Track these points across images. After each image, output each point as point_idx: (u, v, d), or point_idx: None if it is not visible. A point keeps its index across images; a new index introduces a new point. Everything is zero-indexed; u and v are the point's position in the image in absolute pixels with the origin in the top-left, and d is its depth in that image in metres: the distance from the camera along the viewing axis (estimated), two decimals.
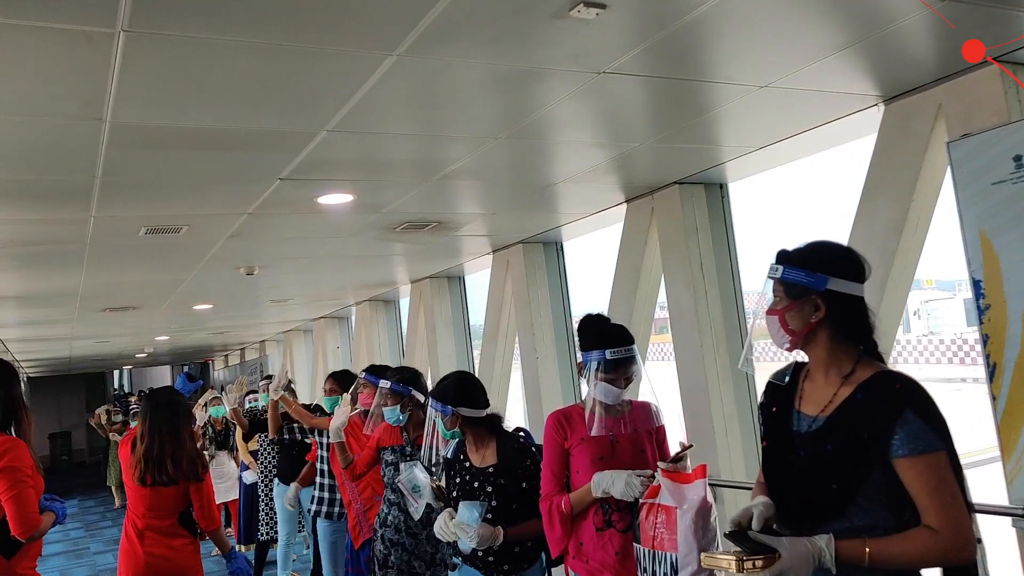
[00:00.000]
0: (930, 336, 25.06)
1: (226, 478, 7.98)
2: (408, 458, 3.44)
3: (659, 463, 2.44)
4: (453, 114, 2.95)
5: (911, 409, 1.64)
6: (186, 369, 15.19)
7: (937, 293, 27.63)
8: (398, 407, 3.46)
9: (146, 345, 12.25)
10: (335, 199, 3.99)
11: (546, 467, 2.71)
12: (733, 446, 4.42)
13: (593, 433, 2.65)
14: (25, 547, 2.67)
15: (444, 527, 2.88)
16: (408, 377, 3.52)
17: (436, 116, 2.96)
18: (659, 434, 2.80)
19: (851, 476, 1.65)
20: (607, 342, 2.63)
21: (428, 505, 3.11)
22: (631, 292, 4.80)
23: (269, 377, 7.51)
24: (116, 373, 24.06)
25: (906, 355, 24.81)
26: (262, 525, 6.91)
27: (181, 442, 3.22)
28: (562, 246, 6.14)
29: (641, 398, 2.80)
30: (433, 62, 2.40)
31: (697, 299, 4.38)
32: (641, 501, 2.47)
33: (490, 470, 2.93)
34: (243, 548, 7.52)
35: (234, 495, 7.85)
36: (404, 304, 9.17)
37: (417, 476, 3.16)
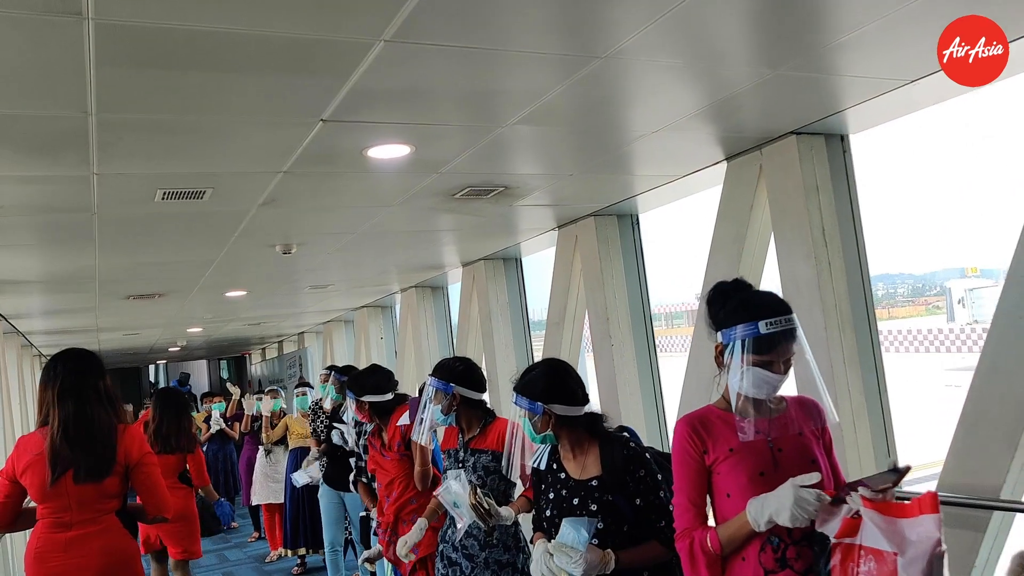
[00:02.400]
0: (974, 325, 23.91)
1: (280, 477, 7.43)
2: (460, 465, 3.07)
3: (860, 490, 1.71)
4: (514, 36, 2.28)
5: None
6: (179, 376, 16.28)
7: (982, 281, 26.49)
8: (439, 407, 3.07)
9: (178, 338, 11.75)
10: (388, 152, 3.29)
11: (680, 492, 1.99)
12: (863, 445, 3.65)
13: (745, 439, 1.92)
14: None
15: (544, 567, 2.21)
16: (447, 370, 3.11)
17: (495, 36, 2.28)
18: (826, 438, 2.07)
19: None
20: (759, 311, 1.90)
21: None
22: (731, 266, 4.02)
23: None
24: (152, 368, 23.86)
25: (948, 344, 23.72)
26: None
27: (181, 424, 4.61)
28: (638, 219, 5.39)
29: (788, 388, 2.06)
30: None
31: (820, 271, 3.60)
32: (833, 540, 1.73)
33: (593, 483, 2.33)
34: (289, 553, 6.88)
35: (281, 498, 7.27)
36: (454, 290, 8.50)
37: (453, 489, 2.83)
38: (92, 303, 6.75)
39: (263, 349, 16.58)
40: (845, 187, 3.72)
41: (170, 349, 14.06)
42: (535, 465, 2.52)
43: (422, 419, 3.15)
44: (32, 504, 2.88)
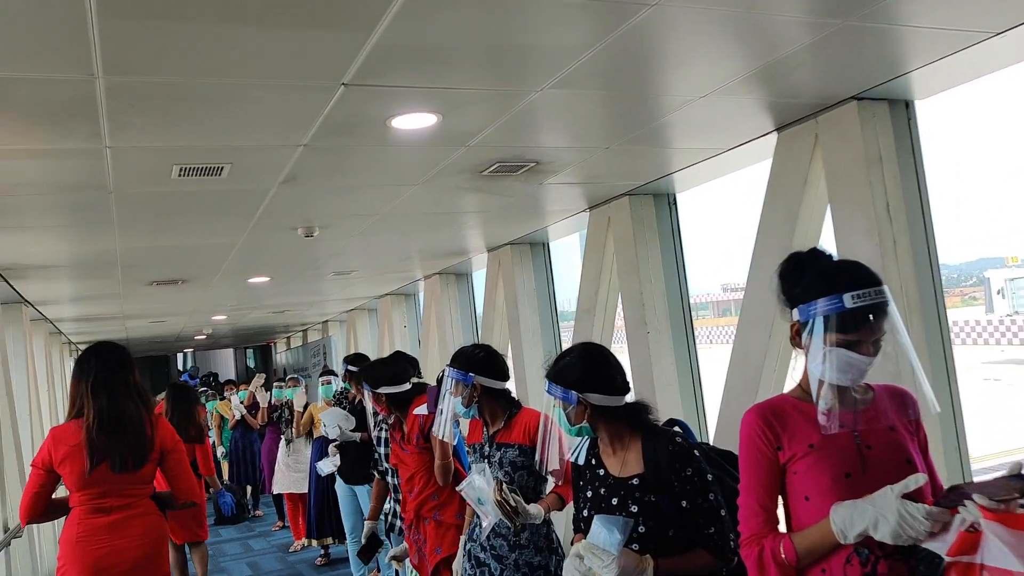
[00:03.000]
0: (1014, 316, 23.21)
1: (302, 468, 7.30)
2: (485, 460, 2.91)
3: (976, 498, 1.45)
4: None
5: None
6: (189, 369, 17.58)
7: (1022, 271, 25.68)
8: (460, 398, 2.90)
9: (204, 326, 11.68)
10: (413, 121, 3.07)
11: (748, 493, 1.74)
12: (933, 444, 3.36)
13: (828, 432, 1.68)
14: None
15: (575, 570, 2.00)
16: (467, 359, 2.94)
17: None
18: (921, 435, 1.81)
19: None
20: (843, 282, 1.65)
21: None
22: (783, 246, 3.75)
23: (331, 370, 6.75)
24: (180, 356, 23.98)
25: (987, 336, 23.06)
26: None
27: (191, 416, 5.05)
28: (675, 198, 5.12)
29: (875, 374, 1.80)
30: None
31: (884, 251, 3.33)
32: (947, 559, 1.49)
33: (634, 482, 2.12)
34: (313, 543, 6.74)
35: (304, 488, 7.14)
36: (478, 277, 8.29)
37: (477, 484, 2.68)
38: (117, 289, 6.63)
39: (288, 338, 16.53)
40: (911, 158, 3.43)
41: (196, 337, 14.02)
42: (574, 459, 2.31)
43: (441, 411, 2.96)
44: (62, 495, 3.02)
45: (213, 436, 10.76)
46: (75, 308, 7.83)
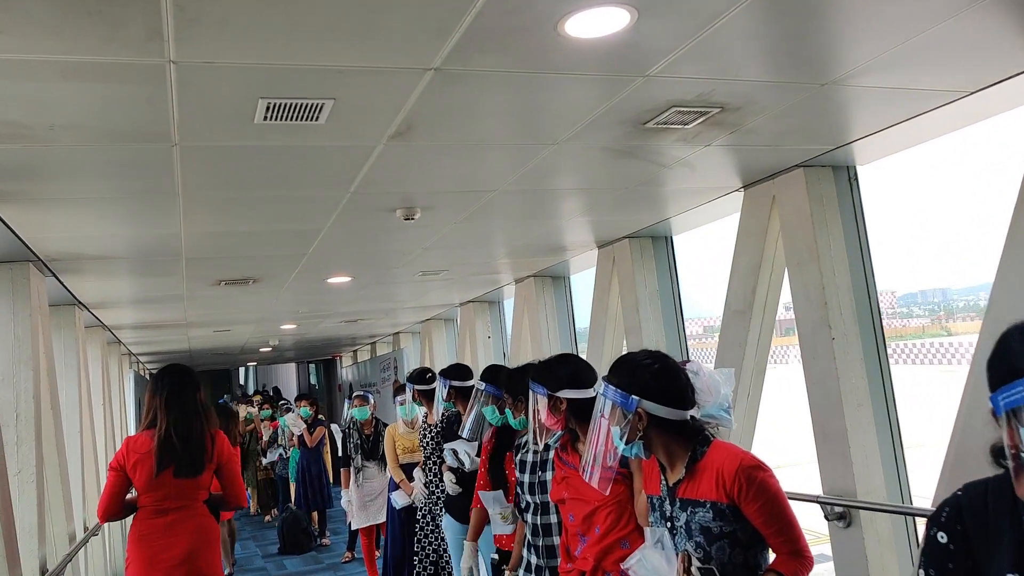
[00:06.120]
0: None
1: (375, 496, 6.42)
2: (666, 523, 2.11)
3: None
4: None
5: None
6: (225, 396, 17.72)
7: None
8: (617, 429, 2.10)
9: (271, 336, 10.98)
10: (598, 21, 2.15)
11: None
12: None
13: None
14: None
15: None
16: (630, 370, 2.11)
17: None
18: None
19: None
20: None
21: None
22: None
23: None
24: (242, 371, 23.59)
25: None
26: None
27: (230, 433, 5.90)
28: (856, 173, 4.12)
29: None
30: None
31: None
32: None
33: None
34: None
35: (382, 518, 6.25)
36: (575, 281, 7.36)
37: (652, 563, 2.01)
38: (180, 289, 5.88)
39: (355, 351, 15.79)
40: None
41: (261, 350, 13.37)
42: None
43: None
44: (132, 497, 3.41)
45: (278, 453, 10.04)
46: (134, 313, 7.13)
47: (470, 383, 4.47)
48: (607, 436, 2.05)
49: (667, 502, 2.08)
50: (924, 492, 3.82)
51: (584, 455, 2.14)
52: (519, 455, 3.08)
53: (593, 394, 2.41)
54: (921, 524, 3.64)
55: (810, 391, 4.01)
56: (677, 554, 1.98)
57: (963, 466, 3.17)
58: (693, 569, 1.94)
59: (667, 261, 5.71)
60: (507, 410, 3.35)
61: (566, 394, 2.50)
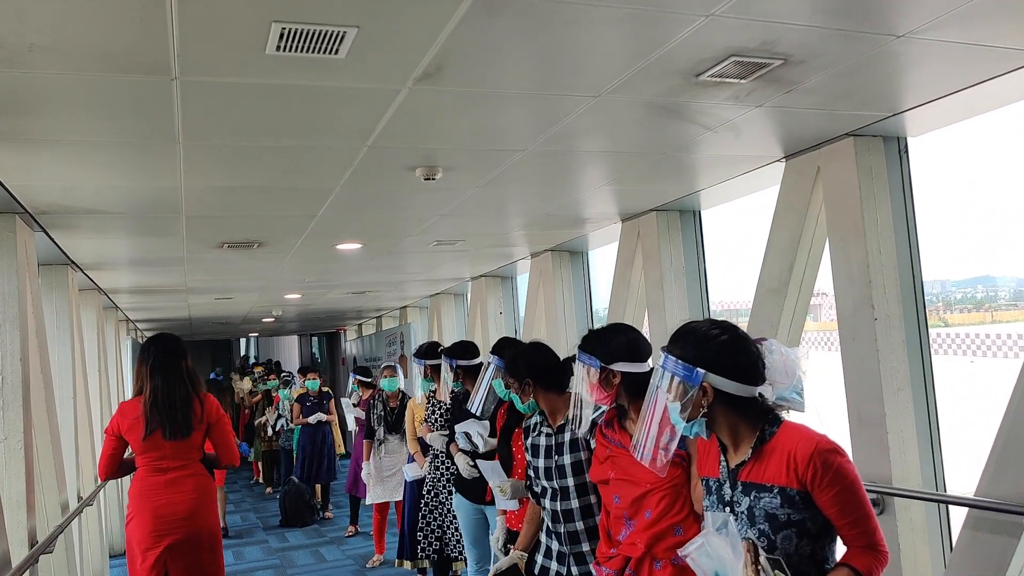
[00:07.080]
0: None
1: (394, 471, 6.23)
2: (727, 507, 1.91)
3: None
4: None
5: None
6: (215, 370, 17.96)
7: None
8: (678, 405, 1.88)
9: (274, 306, 10.71)
10: None
11: None
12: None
13: None
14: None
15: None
16: (696, 342, 1.88)
17: None
18: None
19: None
20: None
21: None
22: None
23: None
24: (243, 341, 23.38)
25: None
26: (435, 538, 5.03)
27: (223, 404, 5.69)
28: (907, 144, 3.84)
29: None
30: None
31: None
32: None
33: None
34: (408, 565, 5.47)
35: (398, 496, 6.06)
36: (592, 256, 7.08)
37: (715, 551, 1.78)
38: (180, 251, 5.61)
39: (359, 325, 15.53)
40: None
41: (263, 320, 13.11)
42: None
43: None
44: (130, 456, 3.63)
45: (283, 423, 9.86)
46: (131, 276, 6.85)
47: (477, 361, 4.26)
48: (665, 413, 1.82)
49: (727, 485, 1.87)
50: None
51: (637, 433, 1.90)
52: (529, 439, 2.84)
53: (649, 368, 2.16)
54: (955, 513, 3.44)
55: (847, 373, 3.76)
56: (742, 541, 1.76)
57: (1012, 457, 2.96)
58: (762, 559, 1.72)
59: (694, 236, 5.43)
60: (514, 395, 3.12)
61: (621, 367, 2.25)
